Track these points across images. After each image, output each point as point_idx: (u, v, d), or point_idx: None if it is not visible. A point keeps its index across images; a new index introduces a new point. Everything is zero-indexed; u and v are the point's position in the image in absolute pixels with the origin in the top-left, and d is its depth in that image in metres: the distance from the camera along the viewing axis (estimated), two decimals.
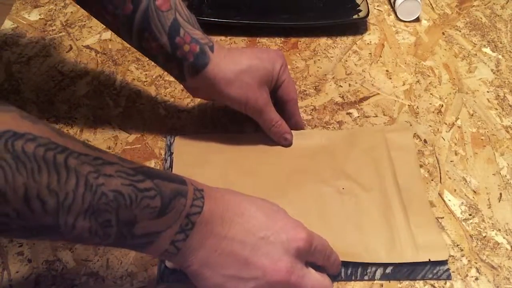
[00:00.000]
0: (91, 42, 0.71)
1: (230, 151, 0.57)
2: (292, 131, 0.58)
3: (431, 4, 0.79)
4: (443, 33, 0.74)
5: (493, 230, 0.52)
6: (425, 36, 0.73)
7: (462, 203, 0.54)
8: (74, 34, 0.71)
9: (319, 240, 0.44)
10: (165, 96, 0.64)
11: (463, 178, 0.56)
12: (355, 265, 0.48)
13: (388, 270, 0.48)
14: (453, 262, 0.49)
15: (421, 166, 0.57)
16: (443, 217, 0.52)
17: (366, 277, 0.48)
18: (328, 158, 0.56)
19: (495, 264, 0.49)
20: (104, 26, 0.72)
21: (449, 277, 0.48)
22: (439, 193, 0.54)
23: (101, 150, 0.36)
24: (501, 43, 0.72)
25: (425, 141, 0.59)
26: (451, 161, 0.57)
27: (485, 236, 0.51)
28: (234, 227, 0.40)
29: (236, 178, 0.54)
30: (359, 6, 0.74)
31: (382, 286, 0.47)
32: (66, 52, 0.69)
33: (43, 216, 0.32)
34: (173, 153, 0.57)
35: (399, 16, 0.75)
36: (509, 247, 0.50)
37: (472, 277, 0.48)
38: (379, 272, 0.48)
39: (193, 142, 0.58)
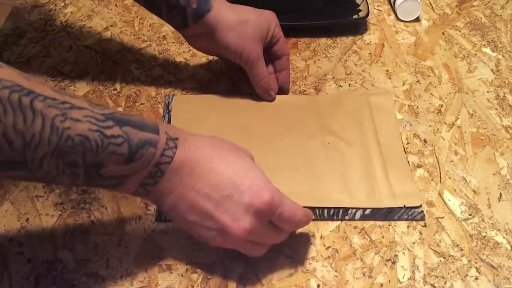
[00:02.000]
0: (91, 42, 0.71)
1: (225, 109, 0.61)
2: (283, 95, 0.63)
3: (431, 4, 0.79)
4: (443, 33, 0.74)
5: (493, 230, 0.52)
6: (425, 36, 0.73)
7: (462, 203, 0.54)
8: (74, 34, 0.71)
9: (288, 206, 0.43)
10: (165, 96, 0.64)
11: (463, 178, 0.56)
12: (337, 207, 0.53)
13: (367, 211, 0.52)
14: (453, 262, 0.49)
15: (421, 166, 0.57)
16: (443, 217, 0.52)
17: (346, 217, 0.52)
18: (315, 117, 0.61)
19: (495, 264, 0.49)
20: (104, 26, 0.72)
21: (422, 218, 0.52)
22: (439, 193, 0.54)
23: (72, 95, 0.37)
24: (501, 43, 0.72)
25: (425, 141, 0.59)
26: (451, 161, 0.57)
27: (485, 236, 0.51)
28: (202, 180, 0.42)
29: (230, 133, 0.58)
30: (359, 6, 0.74)
31: (382, 286, 0.47)
32: (66, 52, 0.69)
33: (11, 152, 0.34)
34: (171, 110, 0.60)
35: (399, 16, 0.75)
36: (509, 247, 0.50)
37: (472, 277, 0.48)
38: (358, 213, 0.52)
39: (190, 101, 0.62)
